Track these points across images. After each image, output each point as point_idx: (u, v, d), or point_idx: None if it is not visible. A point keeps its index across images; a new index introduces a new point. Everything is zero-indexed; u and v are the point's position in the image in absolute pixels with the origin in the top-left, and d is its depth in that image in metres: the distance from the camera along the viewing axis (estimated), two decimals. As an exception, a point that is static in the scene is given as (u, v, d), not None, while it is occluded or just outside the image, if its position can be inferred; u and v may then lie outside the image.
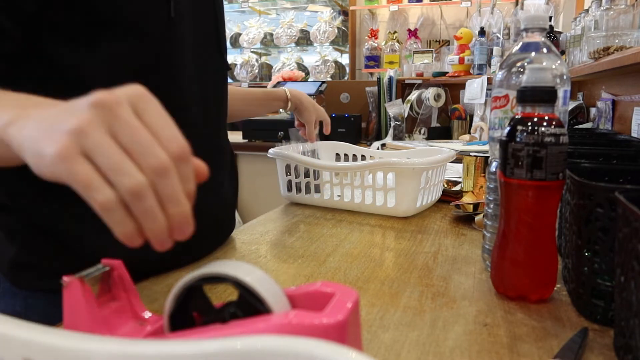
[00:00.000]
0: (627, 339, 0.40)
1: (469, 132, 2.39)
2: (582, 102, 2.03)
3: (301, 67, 3.18)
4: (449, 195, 1.06)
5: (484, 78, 2.29)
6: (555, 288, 0.56)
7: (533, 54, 0.59)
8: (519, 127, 0.51)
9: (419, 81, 2.65)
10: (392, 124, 2.41)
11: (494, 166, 0.62)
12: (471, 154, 1.07)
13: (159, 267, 0.65)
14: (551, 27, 2.21)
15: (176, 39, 0.64)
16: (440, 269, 0.67)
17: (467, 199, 0.98)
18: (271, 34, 3.23)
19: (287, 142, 1.08)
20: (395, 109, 2.42)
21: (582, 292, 0.51)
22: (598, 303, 0.50)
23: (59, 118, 0.31)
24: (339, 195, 1.01)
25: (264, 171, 2.22)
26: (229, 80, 3.25)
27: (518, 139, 0.51)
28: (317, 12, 3.21)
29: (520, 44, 0.60)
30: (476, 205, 0.92)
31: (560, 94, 0.58)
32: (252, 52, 3.30)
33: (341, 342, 0.24)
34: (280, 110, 1.44)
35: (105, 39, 0.57)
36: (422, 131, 2.57)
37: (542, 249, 0.53)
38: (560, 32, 2.31)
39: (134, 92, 0.32)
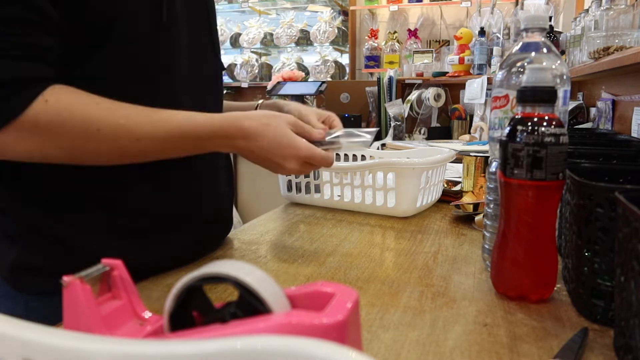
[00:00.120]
0: (627, 339, 0.40)
1: (469, 132, 2.39)
2: (582, 102, 2.03)
3: (301, 67, 3.18)
4: (449, 195, 1.06)
5: (484, 78, 2.29)
6: (555, 288, 0.56)
7: (533, 54, 0.59)
8: (519, 127, 0.51)
9: (419, 81, 2.66)
10: (392, 124, 2.41)
11: (494, 166, 0.62)
12: (471, 154, 1.07)
13: (159, 267, 0.65)
14: (551, 27, 2.21)
15: (170, 42, 0.64)
16: (440, 269, 0.67)
17: (467, 199, 0.98)
18: (271, 34, 3.23)
19: None
20: (395, 109, 2.42)
21: (582, 292, 0.51)
22: (598, 303, 0.50)
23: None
24: (339, 195, 1.01)
25: (264, 171, 2.21)
26: (230, 80, 3.25)
27: (518, 139, 0.51)
28: (317, 12, 3.21)
29: (520, 44, 0.60)
30: (476, 205, 0.92)
31: (560, 94, 0.58)
32: (252, 52, 3.30)
33: (341, 342, 0.24)
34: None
35: (98, 43, 0.58)
36: (422, 131, 2.57)
37: (542, 249, 0.53)
38: (560, 32, 2.31)
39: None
